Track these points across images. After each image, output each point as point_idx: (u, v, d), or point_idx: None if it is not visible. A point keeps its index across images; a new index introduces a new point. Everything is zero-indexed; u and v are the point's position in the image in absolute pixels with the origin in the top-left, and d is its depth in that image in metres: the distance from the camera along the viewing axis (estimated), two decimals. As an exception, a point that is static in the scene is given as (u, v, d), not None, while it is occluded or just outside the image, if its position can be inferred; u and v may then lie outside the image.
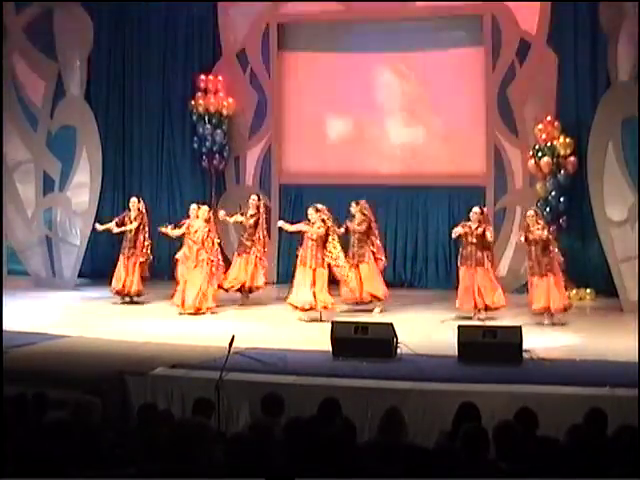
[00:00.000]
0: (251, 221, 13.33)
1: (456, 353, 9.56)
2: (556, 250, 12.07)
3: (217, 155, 15.54)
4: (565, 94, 14.29)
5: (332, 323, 10.15)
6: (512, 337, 9.59)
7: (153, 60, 15.99)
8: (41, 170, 15.57)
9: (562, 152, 13.79)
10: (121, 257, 13.54)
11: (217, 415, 7.31)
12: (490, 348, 9.49)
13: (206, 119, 15.43)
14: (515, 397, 7.98)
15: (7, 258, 15.61)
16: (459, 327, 9.92)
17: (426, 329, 11.54)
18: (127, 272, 13.44)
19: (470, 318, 11.94)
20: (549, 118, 13.97)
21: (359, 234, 12.79)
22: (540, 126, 13.91)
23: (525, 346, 9.55)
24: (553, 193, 13.90)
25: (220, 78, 15.52)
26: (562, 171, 13.84)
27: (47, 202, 15.57)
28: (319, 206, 12.45)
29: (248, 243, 13.32)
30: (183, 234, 13.05)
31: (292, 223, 12.98)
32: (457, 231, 12.21)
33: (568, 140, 13.80)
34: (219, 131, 15.44)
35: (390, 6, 14.88)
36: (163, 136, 16.17)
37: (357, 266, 12.75)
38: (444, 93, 15.01)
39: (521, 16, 14.46)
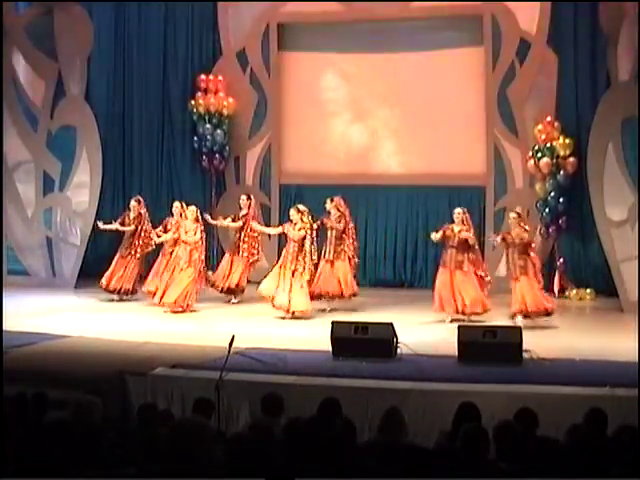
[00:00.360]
0: (240, 222, 13.39)
1: (456, 353, 9.56)
2: (532, 254, 11.88)
3: (217, 155, 15.55)
4: (565, 94, 14.29)
5: (332, 323, 10.10)
6: (512, 337, 9.58)
7: (153, 60, 15.99)
8: (41, 170, 15.57)
9: (562, 153, 13.80)
10: (117, 255, 13.73)
11: (217, 415, 7.31)
12: (490, 348, 9.47)
13: (206, 119, 15.44)
14: (515, 397, 7.96)
15: (7, 258, 15.60)
16: (459, 327, 9.92)
17: (426, 329, 11.54)
18: (120, 270, 13.59)
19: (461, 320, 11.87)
20: (549, 118, 13.98)
21: (336, 232, 12.80)
22: (540, 126, 13.92)
23: (525, 346, 9.55)
24: (552, 193, 13.91)
25: (220, 78, 15.53)
26: (562, 172, 13.85)
27: (47, 202, 15.57)
28: (301, 207, 12.51)
29: (242, 244, 13.44)
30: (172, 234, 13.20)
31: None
32: (437, 236, 12.09)
33: (568, 141, 13.81)
34: (219, 131, 15.43)
35: (390, 6, 14.88)
36: (163, 136, 16.17)
37: (333, 263, 12.80)
38: (444, 93, 15.01)
39: (521, 16, 14.47)
